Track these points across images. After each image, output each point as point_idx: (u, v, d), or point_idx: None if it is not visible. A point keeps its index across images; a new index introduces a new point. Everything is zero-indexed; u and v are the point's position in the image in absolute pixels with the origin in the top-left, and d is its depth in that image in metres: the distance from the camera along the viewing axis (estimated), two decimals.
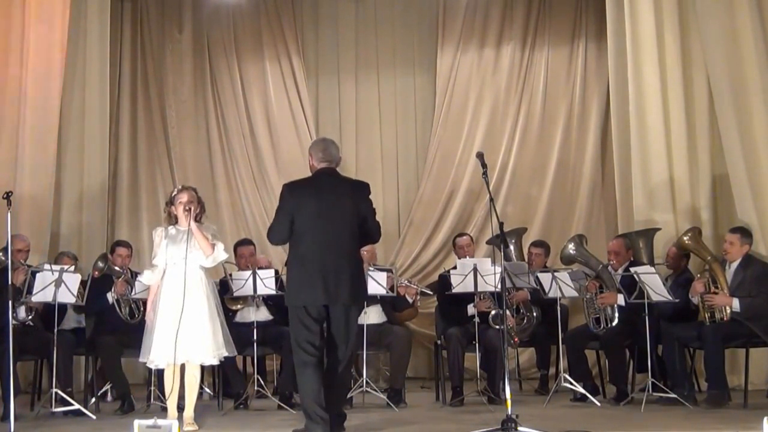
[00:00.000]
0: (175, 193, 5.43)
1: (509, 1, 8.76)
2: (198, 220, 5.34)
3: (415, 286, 6.81)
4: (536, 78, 8.72)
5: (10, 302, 5.29)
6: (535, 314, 6.76)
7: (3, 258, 5.82)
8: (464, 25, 8.74)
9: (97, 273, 6.29)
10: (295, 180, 5.18)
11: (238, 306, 6.49)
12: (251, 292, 6.24)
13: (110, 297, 6.34)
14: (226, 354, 5.34)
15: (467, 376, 6.52)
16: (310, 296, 4.86)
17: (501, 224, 5.11)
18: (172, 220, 5.41)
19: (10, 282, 5.35)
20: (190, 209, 5.25)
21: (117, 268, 6.48)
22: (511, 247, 6.95)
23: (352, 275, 4.92)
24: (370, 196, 5.13)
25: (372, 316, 6.36)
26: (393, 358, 6.46)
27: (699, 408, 5.75)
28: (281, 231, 5.00)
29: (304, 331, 4.87)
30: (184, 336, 5.12)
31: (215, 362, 5.36)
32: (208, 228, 5.39)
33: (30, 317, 6.13)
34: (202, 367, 5.40)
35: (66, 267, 5.98)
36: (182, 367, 5.24)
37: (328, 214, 4.91)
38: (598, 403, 6.11)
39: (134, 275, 6.36)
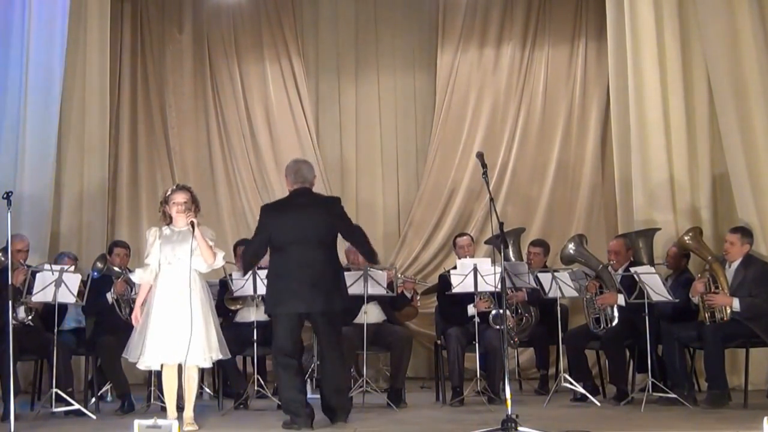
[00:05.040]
0: (169, 192, 5.39)
1: (509, 1, 8.77)
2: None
3: (412, 280, 6.81)
4: (536, 78, 8.73)
5: (10, 302, 5.29)
6: (533, 314, 6.76)
7: (3, 258, 5.83)
8: (464, 25, 8.74)
9: (96, 274, 6.29)
10: (271, 202, 5.71)
11: (238, 306, 6.50)
12: (251, 292, 6.23)
13: (110, 297, 6.34)
14: (220, 357, 5.32)
15: (467, 376, 6.51)
16: (289, 306, 5.27)
17: (501, 224, 5.11)
18: (167, 219, 5.38)
19: (10, 282, 5.35)
20: (194, 223, 5.20)
21: (116, 268, 6.48)
22: (510, 248, 6.94)
23: (326, 286, 5.27)
24: (343, 208, 5.52)
25: (372, 315, 6.36)
26: (393, 358, 6.45)
27: (699, 408, 5.75)
28: (256, 252, 5.55)
29: (281, 339, 5.29)
30: (177, 337, 5.10)
31: (206, 365, 5.32)
32: (206, 232, 5.34)
33: (29, 317, 6.12)
34: (202, 368, 5.39)
35: (66, 267, 5.98)
36: (180, 367, 5.23)
37: (303, 231, 5.29)
38: (598, 403, 6.11)
39: None
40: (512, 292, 6.51)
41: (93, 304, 6.29)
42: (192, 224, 5.20)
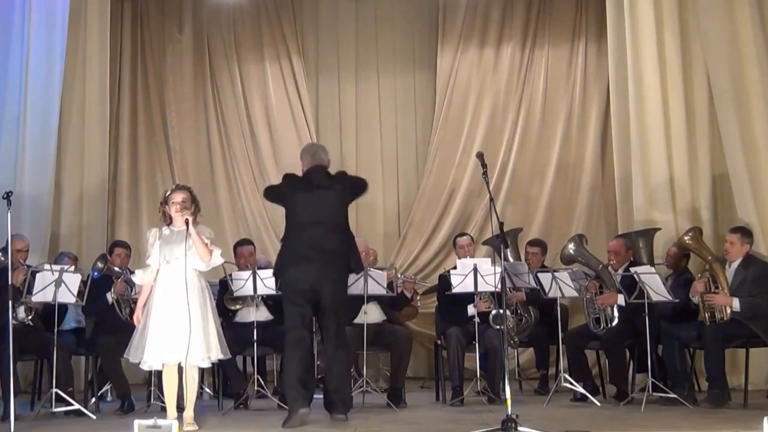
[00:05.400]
0: (168, 192, 5.37)
1: (509, 1, 8.78)
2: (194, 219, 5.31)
3: (412, 280, 6.81)
4: (536, 78, 8.74)
5: (10, 302, 5.28)
6: (532, 314, 6.76)
7: (3, 258, 5.82)
8: (464, 25, 8.75)
9: (96, 274, 6.29)
10: (291, 174, 5.71)
11: (238, 306, 6.49)
12: (251, 292, 6.23)
13: (110, 297, 6.34)
14: (220, 357, 5.32)
15: (467, 376, 6.51)
16: (300, 279, 5.38)
17: (501, 224, 5.11)
18: (167, 219, 5.38)
19: (10, 282, 5.34)
20: (188, 221, 5.20)
21: (116, 268, 6.48)
22: (508, 248, 6.95)
23: (336, 262, 5.43)
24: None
25: (372, 315, 6.35)
26: (393, 358, 6.45)
27: (699, 408, 5.75)
28: (274, 195, 5.73)
29: (292, 317, 5.37)
30: (177, 337, 5.10)
31: (206, 365, 5.30)
32: (203, 231, 5.33)
33: (29, 317, 6.12)
34: (202, 368, 5.39)
35: (66, 267, 5.98)
36: (180, 367, 5.22)
37: (318, 204, 5.45)
38: (598, 403, 6.11)
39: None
40: (511, 292, 6.51)
41: (93, 304, 6.28)
42: (186, 221, 5.20)
